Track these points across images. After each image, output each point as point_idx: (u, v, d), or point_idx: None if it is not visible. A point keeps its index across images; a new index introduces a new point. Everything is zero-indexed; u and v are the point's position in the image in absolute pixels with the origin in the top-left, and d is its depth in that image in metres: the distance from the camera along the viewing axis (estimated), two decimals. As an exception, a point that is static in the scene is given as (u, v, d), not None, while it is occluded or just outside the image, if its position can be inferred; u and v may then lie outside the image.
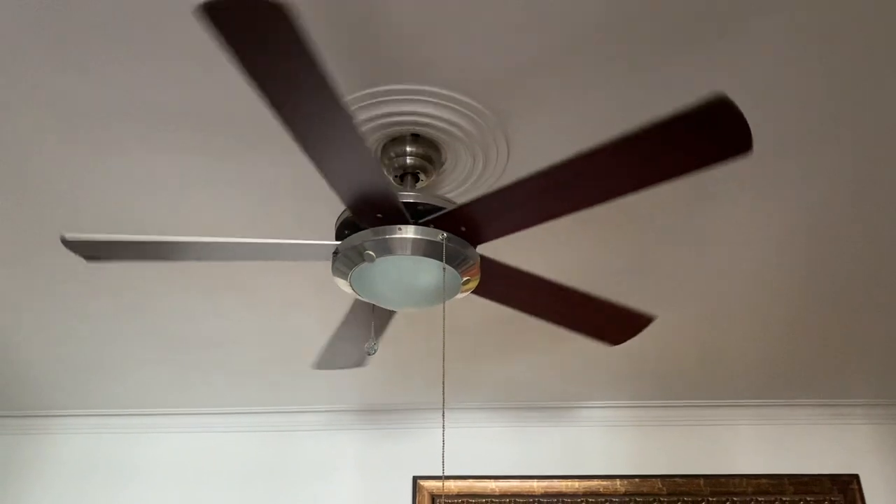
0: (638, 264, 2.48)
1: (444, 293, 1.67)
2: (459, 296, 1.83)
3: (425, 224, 1.68)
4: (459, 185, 2.07)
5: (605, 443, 3.52)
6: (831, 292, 2.66)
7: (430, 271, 1.68)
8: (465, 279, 1.77)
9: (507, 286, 1.91)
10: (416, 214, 1.70)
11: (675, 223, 2.27)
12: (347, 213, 1.76)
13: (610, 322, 2.05)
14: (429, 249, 1.67)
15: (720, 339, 2.99)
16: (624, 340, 2.12)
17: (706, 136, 1.40)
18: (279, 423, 3.60)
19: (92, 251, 1.77)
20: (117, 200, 2.17)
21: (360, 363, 2.33)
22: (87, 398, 3.52)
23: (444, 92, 1.78)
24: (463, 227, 1.70)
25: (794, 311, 2.79)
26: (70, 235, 1.74)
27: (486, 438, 3.53)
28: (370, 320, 1.98)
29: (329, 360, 2.29)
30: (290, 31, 1.19)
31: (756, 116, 1.84)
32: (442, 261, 1.65)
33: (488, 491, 3.39)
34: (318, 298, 2.69)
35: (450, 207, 1.69)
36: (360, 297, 1.81)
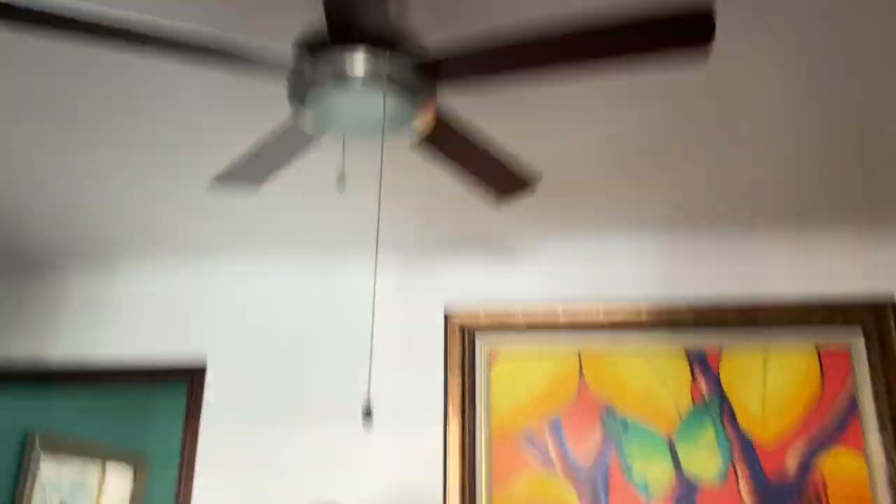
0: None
1: (384, 119, 1.72)
2: (416, 124, 1.87)
3: (396, 57, 1.71)
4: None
5: (632, 268, 3.62)
6: (854, 102, 2.57)
7: (375, 99, 1.73)
8: (418, 106, 1.80)
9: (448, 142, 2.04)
10: (392, 45, 1.73)
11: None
12: (308, 33, 1.77)
13: (500, 176, 2.26)
14: (376, 75, 1.71)
15: (743, 163, 2.96)
16: (508, 195, 2.38)
17: (681, 34, 1.57)
18: (324, 261, 3.84)
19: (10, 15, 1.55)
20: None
21: (259, 184, 2.32)
22: (150, 241, 3.78)
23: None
24: (434, 70, 1.74)
25: (815, 129, 2.73)
26: None
27: (518, 269, 3.67)
28: (296, 143, 2.04)
29: (233, 175, 2.28)
30: None
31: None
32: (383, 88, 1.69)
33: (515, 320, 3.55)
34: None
35: (424, 45, 1.74)
36: (317, 128, 1.87)
